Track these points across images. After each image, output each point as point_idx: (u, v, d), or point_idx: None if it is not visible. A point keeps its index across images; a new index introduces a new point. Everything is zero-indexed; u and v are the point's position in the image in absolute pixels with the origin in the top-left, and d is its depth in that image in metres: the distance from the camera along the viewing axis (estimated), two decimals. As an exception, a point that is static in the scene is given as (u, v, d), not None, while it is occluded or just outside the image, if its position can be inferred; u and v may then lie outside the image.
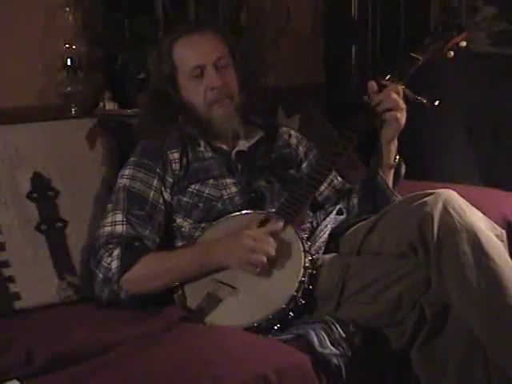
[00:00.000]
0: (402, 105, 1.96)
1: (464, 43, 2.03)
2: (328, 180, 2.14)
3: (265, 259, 1.79)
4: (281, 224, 1.85)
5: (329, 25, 3.20)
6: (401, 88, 1.97)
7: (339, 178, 2.21)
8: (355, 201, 2.12)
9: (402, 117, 1.97)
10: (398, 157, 2.03)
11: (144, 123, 2.16)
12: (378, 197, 2.03)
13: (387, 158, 2.02)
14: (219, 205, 2.00)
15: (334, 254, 1.96)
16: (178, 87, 2.07)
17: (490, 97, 2.84)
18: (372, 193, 2.04)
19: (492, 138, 2.87)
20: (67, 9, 2.38)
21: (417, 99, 1.98)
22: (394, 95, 1.95)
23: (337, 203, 2.13)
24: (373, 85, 1.99)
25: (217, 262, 1.85)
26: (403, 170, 2.07)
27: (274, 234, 1.82)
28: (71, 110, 2.42)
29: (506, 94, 2.81)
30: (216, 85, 2.03)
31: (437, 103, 1.96)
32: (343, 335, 1.74)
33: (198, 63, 2.04)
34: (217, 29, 2.18)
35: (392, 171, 2.04)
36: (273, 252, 1.80)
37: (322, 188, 2.14)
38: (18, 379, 1.52)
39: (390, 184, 2.03)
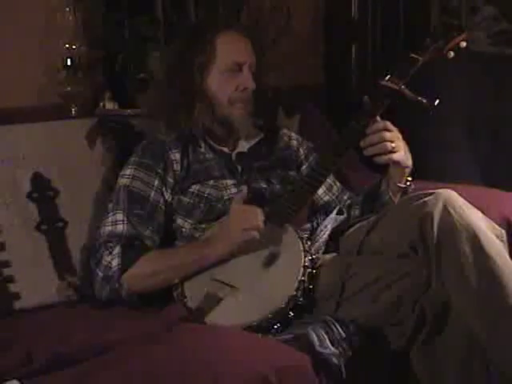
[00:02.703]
0: (392, 139, 1.89)
1: (464, 43, 2.02)
2: (327, 185, 2.16)
3: (259, 221, 1.81)
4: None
5: (329, 25, 3.20)
6: (385, 121, 1.92)
7: (338, 184, 2.22)
8: (357, 212, 2.12)
9: (397, 150, 1.91)
10: (410, 179, 2.00)
11: (156, 108, 2.15)
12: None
13: (399, 180, 1.99)
14: (220, 205, 2.01)
15: (333, 254, 1.96)
16: (206, 76, 2.06)
17: (490, 97, 2.84)
18: (376, 210, 2.04)
19: (492, 138, 2.87)
20: (67, 9, 2.37)
21: (417, 99, 1.97)
22: (380, 136, 1.89)
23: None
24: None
25: (215, 249, 1.86)
26: (410, 190, 2.02)
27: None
28: (71, 110, 2.42)
29: (506, 94, 2.80)
30: (250, 86, 2.05)
31: (436, 103, 1.95)
32: (343, 335, 1.75)
33: (240, 60, 2.05)
34: (254, 37, 2.17)
35: (400, 193, 2.01)
36: (261, 214, 1.82)
37: (322, 193, 2.15)
38: (18, 379, 1.52)
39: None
